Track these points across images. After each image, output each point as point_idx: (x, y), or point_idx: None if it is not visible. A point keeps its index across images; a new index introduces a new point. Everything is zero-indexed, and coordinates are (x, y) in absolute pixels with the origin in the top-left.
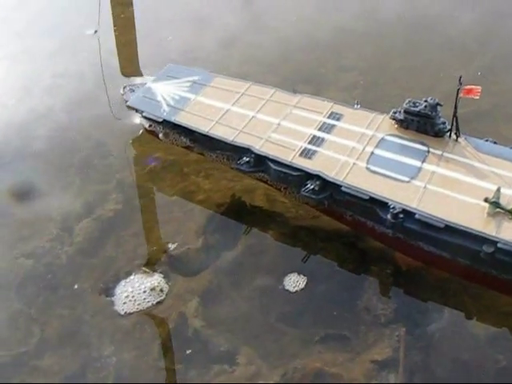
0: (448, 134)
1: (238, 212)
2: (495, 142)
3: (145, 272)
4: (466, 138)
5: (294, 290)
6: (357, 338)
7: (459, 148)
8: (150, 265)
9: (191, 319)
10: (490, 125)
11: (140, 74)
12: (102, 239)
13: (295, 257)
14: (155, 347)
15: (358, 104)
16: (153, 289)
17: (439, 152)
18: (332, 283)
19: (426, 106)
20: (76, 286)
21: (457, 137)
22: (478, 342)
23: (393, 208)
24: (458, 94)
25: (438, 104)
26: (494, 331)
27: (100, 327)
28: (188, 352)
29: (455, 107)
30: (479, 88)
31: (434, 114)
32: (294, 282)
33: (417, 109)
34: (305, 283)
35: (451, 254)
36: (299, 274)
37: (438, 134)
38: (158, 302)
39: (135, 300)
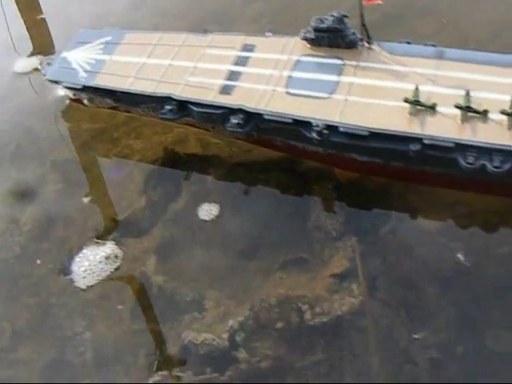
0: (360, 43)
1: (175, 163)
2: (409, 42)
3: (96, 243)
4: (378, 44)
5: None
6: (314, 257)
7: (374, 55)
8: (101, 235)
9: (153, 277)
10: (403, 25)
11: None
12: (51, 222)
13: (238, 193)
14: (126, 312)
15: (269, 31)
16: (107, 257)
17: (354, 63)
18: (279, 210)
19: (333, 21)
20: (39, 262)
21: (369, 44)
22: (431, 236)
23: (316, 126)
24: (360, 2)
25: (344, 16)
26: (444, 223)
27: (68, 306)
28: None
29: (361, 15)
30: None
31: (342, 26)
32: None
33: (325, 25)
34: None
35: (384, 159)
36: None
37: (351, 45)
38: (116, 269)
39: (93, 272)
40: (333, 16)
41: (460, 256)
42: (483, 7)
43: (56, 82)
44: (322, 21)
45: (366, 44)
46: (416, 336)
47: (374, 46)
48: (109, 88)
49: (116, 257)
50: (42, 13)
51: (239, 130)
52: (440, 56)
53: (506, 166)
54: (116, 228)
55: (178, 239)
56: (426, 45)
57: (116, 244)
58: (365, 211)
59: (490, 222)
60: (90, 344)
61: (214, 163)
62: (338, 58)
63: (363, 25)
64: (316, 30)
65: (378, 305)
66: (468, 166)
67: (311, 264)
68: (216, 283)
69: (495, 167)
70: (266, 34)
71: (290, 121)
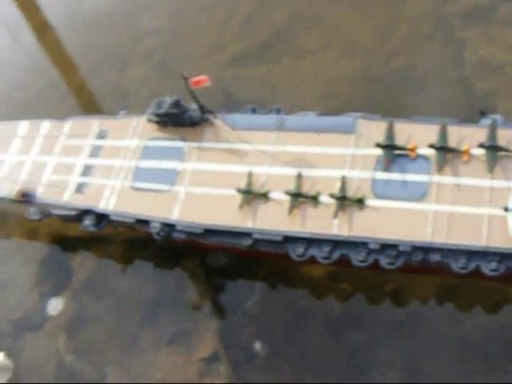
0: (205, 116)
1: (67, 246)
2: (254, 110)
3: None
4: (222, 119)
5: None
6: (194, 335)
7: (215, 132)
8: None
9: (66, 355)
10: (292, 40)
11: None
12: None
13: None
14: None
15: (124, 110)
16: None
17: (197, 144)
18: (157, 286)
19: (169, 105)
20: None
21: (212, 119)
22: (317, 283)
23: (154, 228)
24: (189, 89)
25: (178, 101)
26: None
27: None
28: None
29: (194, 98)
30: (205, 76)
31: (178, 109)
32: None
33: (162, 110)
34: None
35: (231, 243)
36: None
37: (194, 123)
38: (9, 379)
39: None
40: (167, 101)
41: (348, 297)
42: (367, 12)
43: None
44: (159, 105)
45: (210, 118)
46: None
47: (217, 121)
48: None
49: (7, 369)
50: None
51: (93, 228)
52: (280, 126)
53: (335, 256)
54: (11, 332)
55: (79, 320)
56: (270, 110)
57: (6, 354)
58: (231, 284)
59: None
60: None
61: (101, 241)
62: (183, 139)
63: (200, 106)
64: (156, 115)
65: (256, 372)
66: (298, 258)
67: (191, 342)
68: (117, 355)
69: (323, 258)
70: (121, 112)
71: (133, 221)
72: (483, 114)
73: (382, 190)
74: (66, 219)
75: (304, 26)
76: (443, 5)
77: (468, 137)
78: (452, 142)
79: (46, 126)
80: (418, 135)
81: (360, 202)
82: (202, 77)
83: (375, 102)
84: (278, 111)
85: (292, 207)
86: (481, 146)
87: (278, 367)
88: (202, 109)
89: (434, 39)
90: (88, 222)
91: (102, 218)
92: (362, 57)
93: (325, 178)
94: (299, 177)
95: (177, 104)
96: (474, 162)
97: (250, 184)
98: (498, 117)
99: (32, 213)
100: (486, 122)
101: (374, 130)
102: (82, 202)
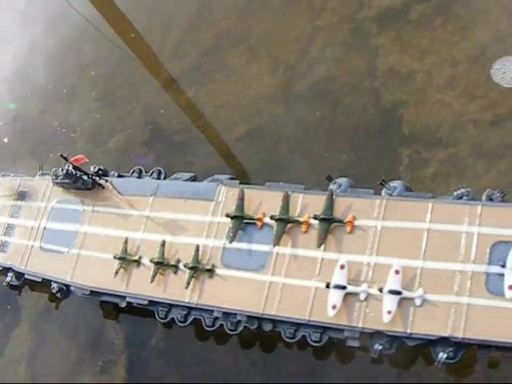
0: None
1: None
2: (140, 171)
3: None
4: (111, 182)
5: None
6: (117, 365)
7: (106, 196)
8: None
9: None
10: (218, 56)
11: None
12: None
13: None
14: None
15: (40, 170)
16: None
17: (91, 207)
18: (89, 321)
19: (63, 175)
20: None
21: (103, 184)
22: None
23: (53, 288)
24: (72, 164)
25: (68, 172)
26: None
27: None
28: None
29: (81, 171)
30: (82, 156)
31: (70, 179)
32: None
33: (58, 179)
34: None
35: (114, 303)
36: None
37: (88, 187)
38: None
39: None
40: (60, 172)
41: None
42: (288, 24)
43: None
44: (56, 175)
45: (102, 183)
46: None
47: (108, 184)
48: None
49: None
50: None
51: (15, 283)
52: (155, 192)
53: (190, 319)
54: None
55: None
56: (152, 172)
57: None
58: (139, 324)
59: None
60: None
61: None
62: (82, 202)
63: (88, 175)
64: (54, 182)
65: None
66: (161, 320)
67: (112, 373)
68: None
69: (180, 321)
70: (38, 172)
71: (39, 280)
72: (330, 179)
73: (229, 260)
74: None
75: (230, 43)
76: (358, 10)
77: (311, 204)
78: (295, 211)
79: None
80: (268, 202)
81: (210, 271)
82: (79, 156)
83: (295, 119)
84: (159, 174)
85: (154, 275)
86: (315, 217)
87: None
88: (90, 177)
89: (351, 47)
90: (9, 278)
91: (21, 274)
92: (283, 71)
93: (186, 245)
94: (163, 245)
95: (67, 174)
96: (311, 232)
97: (125, 250)
98: (344, 181)
99: None
100: (333, 187)
101: (231, 197)
102: (4, 260)
